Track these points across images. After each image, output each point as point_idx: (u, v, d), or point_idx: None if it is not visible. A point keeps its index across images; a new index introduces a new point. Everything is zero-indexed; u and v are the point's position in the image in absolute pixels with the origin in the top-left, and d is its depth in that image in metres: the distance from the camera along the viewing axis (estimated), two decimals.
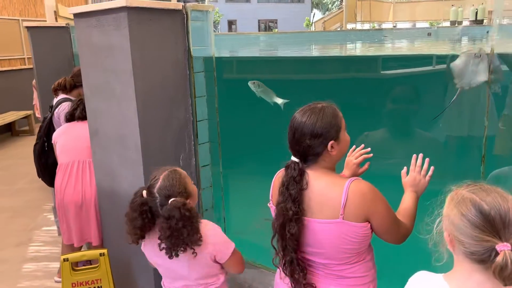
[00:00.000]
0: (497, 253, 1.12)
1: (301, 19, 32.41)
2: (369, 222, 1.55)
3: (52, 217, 4.84)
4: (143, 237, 1.89)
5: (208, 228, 1.91)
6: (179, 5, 2.59)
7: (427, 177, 1.76)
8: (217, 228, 1.96)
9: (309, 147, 1.55)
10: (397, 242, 1.62)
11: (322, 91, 2.59)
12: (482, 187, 1.23)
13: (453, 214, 1.21)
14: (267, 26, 35.10)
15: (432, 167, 1.75)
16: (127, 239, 1.92)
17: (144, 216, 1.84)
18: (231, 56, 3.14)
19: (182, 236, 1.74)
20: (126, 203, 2.03)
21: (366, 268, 1.63)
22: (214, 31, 2.83)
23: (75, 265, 2.78)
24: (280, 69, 2.89)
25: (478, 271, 1.19)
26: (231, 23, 33.56)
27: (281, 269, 1.66)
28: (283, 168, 1.68)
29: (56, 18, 5.30)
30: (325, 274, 1.64)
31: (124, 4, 2.35)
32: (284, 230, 1.56)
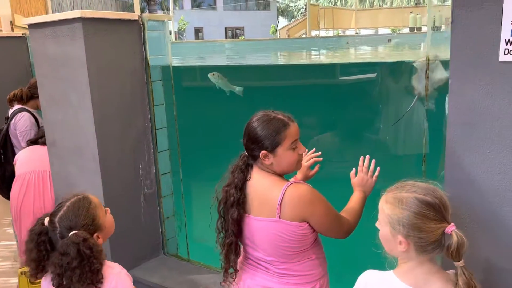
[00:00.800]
0: (445, 237, 1.26)
1: (267, 26, 32.72)
2: (307, 223, 1.62)
3: (11, 231, 4.71)
4: (41, 271, 1.59)
5: (115, 276, 1.61)
6: (135, 15, 2.63)
7: (374, 177, 1.86)
8: (127, 280, 1.65)
9: (247, 147, 1.66)
10: (340, 237, 1.71)
11: (278, 98, 2.67)
12: (410, 184, 1.34)
13: (404, 217, 1.28)
14: (234, 33, 35.24)
15: (378, 168, 1.84)
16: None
17: (42, 248, 1.56)
18: (188, 65, 3.18)
19: (72, 279, 1.49)
20: None
21: (312, 267, 1.69)
22: (180, 38, 2.87)
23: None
24: (239, 77, 2.96)
25: (427, 261, 1.31)
26: (197, 31, 33.52)
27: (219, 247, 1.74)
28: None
29: (12, 28, 5.19)
30: (271, 272, 1.70)
31: (78, 15, 2.37)
32: (226, 214, 1.67)
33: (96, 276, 1.53)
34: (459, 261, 1.27)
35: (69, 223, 1.55)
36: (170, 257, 2.98)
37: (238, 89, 2.88)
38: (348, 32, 19.01)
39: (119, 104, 2.68)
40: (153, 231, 2.94)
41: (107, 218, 1.71)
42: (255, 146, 1.62)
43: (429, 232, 1.27)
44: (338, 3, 38.25)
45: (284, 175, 1.72)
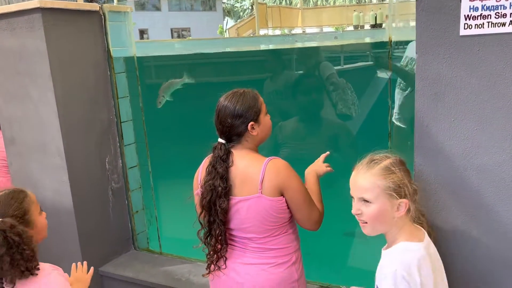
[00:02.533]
0: None
1: (214, 27, 32.63)
2: (283, 197, 1.70)
3: None
4: None
5: (50, 280, 1.57)
6: (96, 6, 2.57)
7: (322, 156, 1.94)
8: (61, 279, 1.63)
9: (232, 126, 1.68)
10: (311, 225, 1.77)
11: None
12: (379, 155, 1.48)
13: (403, 177, 1.42)
14: (180, 34, 34.83)
15: (327, 152, 1.93)
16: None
17: None
18: (154, 55, 3.14)
19: (4, 265, 1.46)
20: (53, 211, 1.96)
21: (289, 240, 1.78)
22: None
23: None
24: (205, 68, 2.97)
25: (409, 222, 1.46)
26: (142, 32, 32.81)
27: (203, 241, 1.77)
28: (209, 155, 1.80)
29: None
30: (249, 249, 1.76)
31: (37, 5, 2.30)
32: (214, 206, 1.68)
33: (30, 263, 1.50)
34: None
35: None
36: (141, 251, 2.94)
37: (184, 77, 2.87)
38: (295, 31, 19.39)
39: (83, 98, 2.62)
40: (123, 226, 2.89)
41: (40, 218, 1.67)
42: (240, 122, 1.67)
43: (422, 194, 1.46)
44: (283, 2, 38.88)
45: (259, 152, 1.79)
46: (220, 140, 1.73)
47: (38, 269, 1.54)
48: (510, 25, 1.46)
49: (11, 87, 2.62)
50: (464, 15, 1.50)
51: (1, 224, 1.48)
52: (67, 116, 2.52)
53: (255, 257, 1.77)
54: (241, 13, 43.38)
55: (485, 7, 1.47)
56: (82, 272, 1.88)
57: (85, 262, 1.93)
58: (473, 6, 1.48)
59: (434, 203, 1.69)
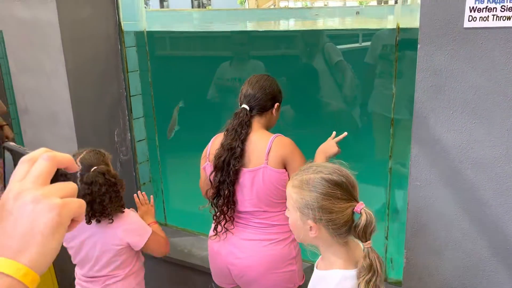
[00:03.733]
0: (355, 216, 1.19)
1: None
2: (286, 171, 1.79)
3: None
4: None
5: (132, 215, 1.91)
6: None
7: (337, 138, 1.95)
8: (135, 216, 1.94)
9: (261, 99, 1.82)
10: None
11: (254, 67, 2.71)
12: (316, 165, 1.27)
13: (312, 199, 1.19)
14: (200, 2, 34.39)
15: (345, 133, 1.93)
16: None
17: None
18: (163, 30, 3.15)
19: (104, 202, 1.74)
20: None
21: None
22: (145, 7, 2.85)
23: None
24: (215, 45, 2.97)
25: (337, 244, 1.23)
26: (162, 0, 32.50)
27: (213, 203, 1.86)
28: (220, 133, 1.90)
29: None
30: (252, 224, 1.85)
31: None
32: (227, 165, 1.78)
33: (121, 201, 1.82)
34: (366, 241, 1.17)
35: (91, 162, 1.78)
36: None
37: (180, 103, 2.91)
38: (317, 4, 18.98)
39: (93, 71, 2.66)
40: (130, 197, 2.98)
41: (116, 174, 1.88)
42: (269, 98, 1.83)
43: (339, 212, 1.18)
44: None
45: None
46: (244, 106, 1.83)
47: (124, 207, 1.86)
48: None
49: (25, 58, 2.68)
50: (469, 7, 1.47)
51: (100, 168, 1.76)
52: (77, 88, 2.57)
53: (256, 233, 1.85)
54: None
55: (490, 0, 1.45)
56: (146, 205, 2.12)
57: (143, 193, 2.15)
58: None
59: (428, 194, 1.71)
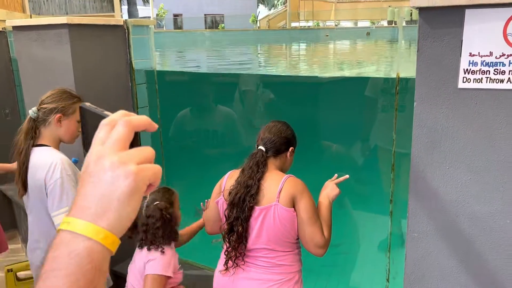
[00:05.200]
0: None
1: (247, 15, 32.57)
2: (295, 210, 1.85)
3: None
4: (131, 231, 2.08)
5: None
6: (121, 21, 2.69)
7: (337, 180, 2.02)
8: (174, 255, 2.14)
9: (277, 142, 1.94)
10: (314, 247, 1.86)
11: (260, 104, 2.79)
12: None
13: None
14: (213, 20, 34.93)
15: (346, 176, 2.00)
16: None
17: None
18: (172, 70, 3.26)
19: (157, 235, 2.00)
20: None
21: (295, 259, 1.94)
22: (159, 25, 2.96)
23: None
24: (219, 83, 3.06)
25: None
26: (176, 17, 33.10)
27: (227, 238, 1.92)
28: (233, 170, 2.01)
29: None
30: (258, 263, 1.91)
31: (65, 21, 2.43)
32: (243, 202, 1.85)
33: (173, 234, 2.07)
34: None
35: (155, 197, 2.05)
36: None
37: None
38: (328, 24, 19.17)
39: (105, 107, 2.74)
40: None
41: (178, 212, 2.15)
42: (285, 142, 1.94)
43: None
44: None
45: None
46: (261, 147, 1.93)
47: (177, 239, 2.12)
48: (508, 82, 1.48)
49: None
50: (463, 69, 1.52)
51: (159, 204, 2.02)
52: None
53: (261, 272, 1.90)
54: (276, 1, 43.07)
55: (484, 63, 1.50)
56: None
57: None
58: (473, 61, 1.51)
59: (425, 245, 1.74)
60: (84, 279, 0.50)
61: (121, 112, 0.59)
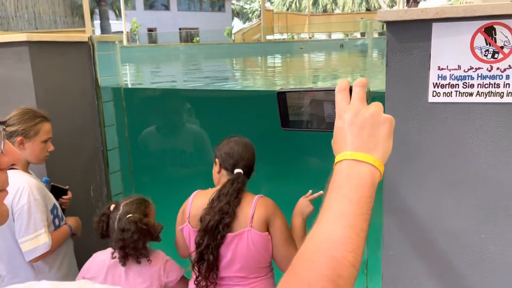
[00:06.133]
0: None
1: (222, 28, 32.70)
2: (269, 233, 1.77)
3: None
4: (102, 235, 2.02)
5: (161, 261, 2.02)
6: (85, 38, 2.60)
7: (311, 197, 1.95)
8: (175, 264, 2.06)
9: (252, 163, 1.87)
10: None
11: (226, 122, 2.72)
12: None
13: None
14: (188, 35, 34.90)
15: (320, 192, 1.93)
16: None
17: (101, 225, 1.98)
18: (140, 87, 3.17)
19: (139, 246, 1.90)
20: None
21: (268, 283, 1.85)
22: (133, 39, 2.88)
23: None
24: (189, 100, 2.99)
25: None
26: (151, 31, 32.93)
27: (196, 268, 1.80)
28: (198, 191, 1.91)
29: None
30: None
31: (25, 39, 2.32)
32: (216, 229, 1.73)
33: (156, 240, 1.97)
34: None
35: (128, 210, 1.93)
36: None
37: None
38: (302, 36, 19.39)
39: (69, 126, 2.64)
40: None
41: (153, 223, 2.02)
42: (254, 163, 1.85)
43: None
44: (293, 5, 38.85)
45: None
46: (238, 170, 1.81)
47: (149, 255, 1.96)
48: (477, 96, 1.47)
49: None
50: (433, 83, 1.50)
51: (133, 217, 1.90)
52: (52, 143, 2.55)
53: None
54: (250, 15, 43.42)
55: (453, 77, 1.48)
56: None
57: None
58: (441, 74, 1.49)
59: (402, 263, 1.70)
60: (369, 192, 0.66)
61: (345, 80, 0.74)
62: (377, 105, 0.73)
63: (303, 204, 1.94)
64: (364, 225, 0.64)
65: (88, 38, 2.63)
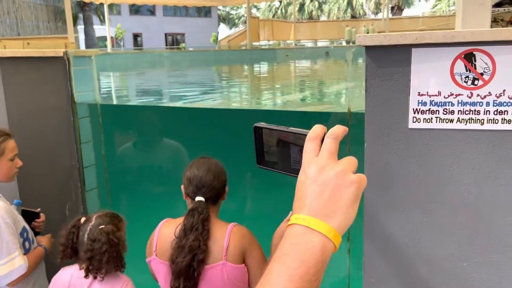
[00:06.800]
0: None
1: (208, 33, 32.65)
2: (245, 265, 1.68)
3: None
4: (66, 256, 1.91)
5: (128, 280, 1.92)
6: (60, 52, 2.52)
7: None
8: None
9: (217, 188, 1.72)
10: None
11: (204, 141, 2.66)
12: None
13: None
14: (174, 39, 34.77)
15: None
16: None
17: (70, 237, 1.88)
18: (117, 104, 3.10)
19: (102, 260, 1.80)
20: None
21: None
22: (118, 44, 2.81)
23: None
24: (167, 118, 2.93)
25: None
26: (136, 36, 32.72)
27: None
28: (166, 219, 1.79)
29: None
30: None
31: None
32: (190, 268, 1.62)
33: (120, 261, 1.84)
34: None
35: (101, 221, 1.86)
36: None
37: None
38: (288, 43, 19.44)
39: (43, 144, 2.55)
40: None
41: (123, 238, 1.94)
42: (221, 183, 1.74)
43: None
44: (279, 12, 39.04)
45: None
46: (199, 198, 1.69)
47: (124, 267, 1.87)
48: (458, 122, 1.44)
49: None
50: (413, 109, 1.47)
51: (106, 228, 1.84)
52: (24, 163, 2.46)
53: None
54: (236, 20, 43.49)
55: (433, 103, 1.45)
56: None
57: None
58: (422, 100, 1.45)
59: None
60: (314, 269, 0.58)
61: (319, 127, 0.67)
62: (347, 163, 0.64)
63: (284, 228, 1.88)
64: None
65: (64, 53, 2.55)
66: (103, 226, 1.84)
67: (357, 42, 1.45)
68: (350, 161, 0.65)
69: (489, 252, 1.50)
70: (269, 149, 0.75)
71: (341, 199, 0.61)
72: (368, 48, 1.46)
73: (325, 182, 0.62)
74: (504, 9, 4.56)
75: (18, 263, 1.95)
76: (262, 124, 0.75)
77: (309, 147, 0.66)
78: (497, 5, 4.72)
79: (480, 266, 1.52)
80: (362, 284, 1.68)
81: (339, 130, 0.66)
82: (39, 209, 2.25)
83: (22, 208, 2.22)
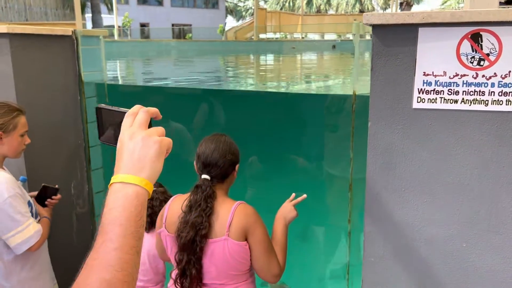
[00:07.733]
0: None
1: (215, 25, 32.55)
2: (247, 243, 1.69)
3: None
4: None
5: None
6: (68, 31, 2.54)
7: (294, 201, 1.91)
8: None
9: (223, 166, 1.72)
10: (270, 277, 1.75)
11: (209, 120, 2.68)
12: None
13: None
14: (181, 31, 34.68)
15: (304, 195, 1.90)
16: None
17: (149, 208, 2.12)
18: (124, 83, 3.11)
19: (157, 215, 1.95)
20: None
21: None
22: (125, 34, 2.83)
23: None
24: (173, 97, 2.94)
25: None
26: (143, 26, 32.65)
27: (179, 283, 1.72)
28: (177, 195, 1.83)
29: None
30: None
31: (5, 31, 2.26)
32: (192, 244, 1.66)
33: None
34: None
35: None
36: None
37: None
38: (295, 36, 19.36)
39: (49, 121, 2.58)
40: (87, 251, 2.85)
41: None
42: (230, 162, 1.74)
43: None
44: (287, 4, 38.83)
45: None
46: (205, 176, 1.72)
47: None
48: (462, 103, 1.45)
49: None
50: (418, 89, 1.48)
51: (160, 189, 2.19)
52: (31, 139, 2.49)
53: None
54: (244, 13, 43.33)
55: (438, 83, 1.45)
56: None
57: None
58: (427, 80, 1.46)
59: (382, 270, 1.68)
60: (135, 211, 0.72)
61: (137, 106, 0.81)
62: (153, 129, 0.79)
63: (287, 209, 1.90)
64: (133, 241, 0.71)
65: (72, 32, 2.57)
66: (156, 188, 2.13)
67: (364, 21, 1.46)
68: (156, 128, 0.80)
69: (489, 233, 1.52)
70: (108, 126, 0.87)
71: (147, 156, 0.76)
72: (375, 27, 1.47)
73: (134, 145, 0.76)
74: None
75: (33, 229, 2.01)
76: (102, 106, 0.87)
77: (125, 121, 0.80)
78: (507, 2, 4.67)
79: (480, 247, 1.54)
80: (362, 263, 1.70)
81: (151, 107, 0.82)
82: (57, 186, 2.28)
83: (43, 184, 2.26)
